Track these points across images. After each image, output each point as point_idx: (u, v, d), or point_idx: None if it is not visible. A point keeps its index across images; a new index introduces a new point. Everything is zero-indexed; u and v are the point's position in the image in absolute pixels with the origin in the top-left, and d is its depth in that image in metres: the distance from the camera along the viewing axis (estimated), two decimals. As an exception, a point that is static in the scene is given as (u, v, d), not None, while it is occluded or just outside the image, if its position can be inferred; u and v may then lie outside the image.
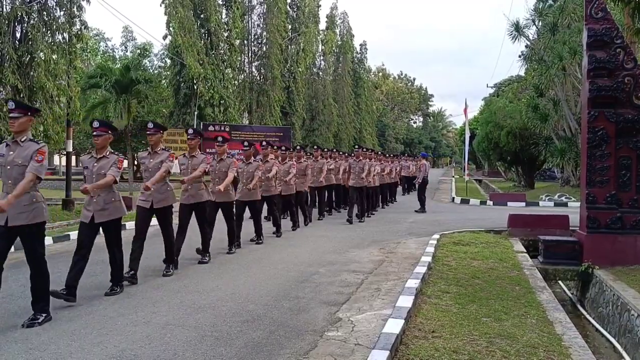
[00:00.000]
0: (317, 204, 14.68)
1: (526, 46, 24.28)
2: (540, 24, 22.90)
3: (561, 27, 20.74)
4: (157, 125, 7.26)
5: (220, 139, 9.11)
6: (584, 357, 4.54)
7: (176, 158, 8.05)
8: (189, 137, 8.14)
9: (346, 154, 18.17)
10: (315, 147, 17.10)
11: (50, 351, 4.31)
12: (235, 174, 9.11)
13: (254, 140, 11.41)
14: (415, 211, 16.85)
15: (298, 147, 15.61)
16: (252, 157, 10.05)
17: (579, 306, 9.02)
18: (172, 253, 7.36)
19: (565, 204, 19.22)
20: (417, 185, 18.20)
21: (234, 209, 9.28)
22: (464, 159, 29.77)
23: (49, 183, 28.45)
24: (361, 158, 13.86)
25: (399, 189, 25.06)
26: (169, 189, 7.16)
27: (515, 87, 39.52)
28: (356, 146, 14.83)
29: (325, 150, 17.03)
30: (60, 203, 15.67)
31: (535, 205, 19.41)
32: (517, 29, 22.63)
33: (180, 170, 8.26)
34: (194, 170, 7.84)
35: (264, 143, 10.93)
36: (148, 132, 7.09)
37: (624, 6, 10.57)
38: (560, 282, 10.34)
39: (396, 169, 21.13)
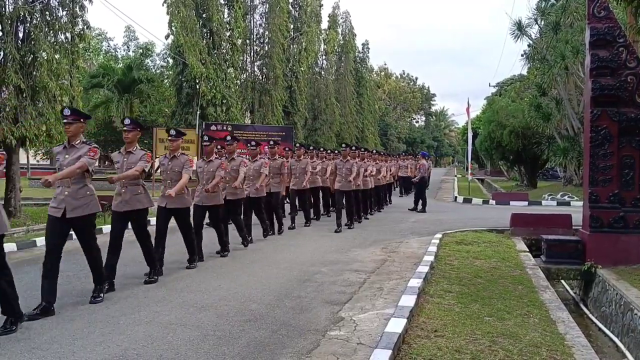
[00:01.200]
0: (302, 209, 13.15)
1: (529, 45, 24.29)
2: (542, 23, 22.89)
3: (564, 26, 20.73)
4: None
5: (228, 138, 9.65)
6: (587, 357, 4.54)
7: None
8: (170, 138, 7.65)
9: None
10: (298, 144, 14.79)
11: (53, 350, 4.32)
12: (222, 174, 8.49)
13: (256, 140, 11.34)
14: (411, 210, 16.72)
15: (297, 145, 14.39)
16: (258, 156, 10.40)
17: (581, 305, 9.00)
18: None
19: (567, 203, 19.19)
20: (414, 185, 17.81)
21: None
22: (467, 158, 29.74)
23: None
24: (349, 158, 12.08)
25: (398, 189, 24.75)
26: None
27: (518, 86, 39.47)
28: (343, 145, 12.83)
29: (326, 150, 16.16)
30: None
31: (537, 205, 19.39)
32: (520, 28, 22.63)
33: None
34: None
35: (228, 138, 9.89)
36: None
37: (627, 5, 10.57)
38: (563, 281, 10.33)
39: (391, 169, 19.66)
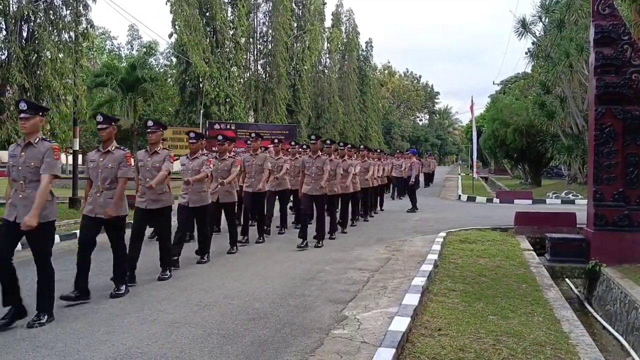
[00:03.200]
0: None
1: (533, 43, 24.17)
2: (546, 20, 22.78)
3: (568, 24, 20.63)
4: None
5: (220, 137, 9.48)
6: (591, 355, 4.53)
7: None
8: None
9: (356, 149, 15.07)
10: (276, 140, 12.06)
11: (58, 349, 4.33)
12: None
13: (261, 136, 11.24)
14: (407, 211, 16.16)
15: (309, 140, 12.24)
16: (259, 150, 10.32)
17: (586, 304, 8.98)
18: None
19: (572, 202, 19.14)
20: (409, 186, 17.27)
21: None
22: (470, 156, 29.68)
23: (56, 181, 28.53)
24: (320, 154, 9.80)
25: (397, 191, 21.64)
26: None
27: (522, 84, 39.36)
28: (312, 137, 10.15)
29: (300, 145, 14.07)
30: (67, 201, 15.73)
31: (542, 203, 19.34)
32: (524, 26, 22.53)
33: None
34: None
35: (219, 138, 9.57)
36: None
37: (632, 2, 10.52)
38: (567, 280, 10.32)
39: (384, 169, 16.88)
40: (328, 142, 10.86)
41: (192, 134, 8.05)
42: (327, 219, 10.22)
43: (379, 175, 15.35)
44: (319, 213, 9.77)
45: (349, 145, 12.49)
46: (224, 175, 8.83)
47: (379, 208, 16.18)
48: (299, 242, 9.24)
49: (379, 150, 17.82)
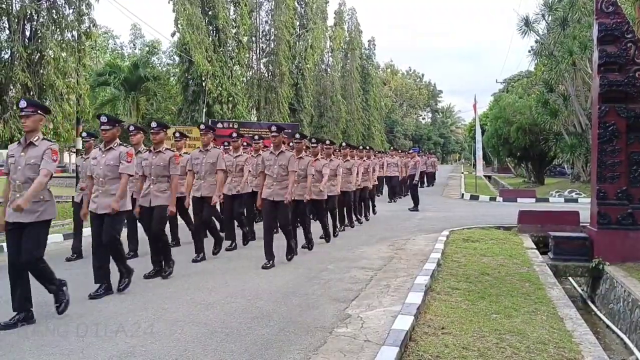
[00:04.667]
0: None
1: (536, 41, 24.18)
2: (550, 18, 22.77)
3: (571, 22, 20.61)
4: (160, 124, 7.26)
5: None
6: (595, 354, 4.52)
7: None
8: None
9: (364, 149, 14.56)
10: (256, 137, 10.47)
11: (62, 347, 4.34)
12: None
13: (262, 137, 11.23)
14: (410, 209, 16.05)
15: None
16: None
17: (589, 302, 8.97)
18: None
19: (575, 200, 19.12)
20: (411, 184, 16.94)
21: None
22: (473, 155, 29.63)
23: (59, 180, 28.65)
24: (284, 149, 7.95)
25: (396, 193, 20.10)
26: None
27: (525, 82, 39.36)
28: (273, 128, 7.93)
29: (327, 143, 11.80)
30: (71, 200, 15.79)
31: (545, 202, 19.32)
32: (527, 24, 22.53)
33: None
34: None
35: (234, 135, 9.96)
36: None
37: (635, 0, 10.49)
38: (570, 278, 10.30)
39: (375, 169, 14.72)
40: (313, 140, 10.04)
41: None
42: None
43: (367, 176, 13.32)
44: (282, 222, 7.98)
45: (327, 142, 10.88)
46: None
47: (370, 213, 14.08)
48: (264, 264, 7.53)
49: (367, 148, 15.26)
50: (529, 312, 5.58)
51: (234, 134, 9.91)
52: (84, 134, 8.37)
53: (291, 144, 9.58)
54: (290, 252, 8.15)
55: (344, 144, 12.82)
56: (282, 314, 5.27)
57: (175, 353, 4.23)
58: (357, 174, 11.96)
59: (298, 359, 4.14)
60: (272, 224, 8.02)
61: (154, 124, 7.12)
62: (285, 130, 8.87)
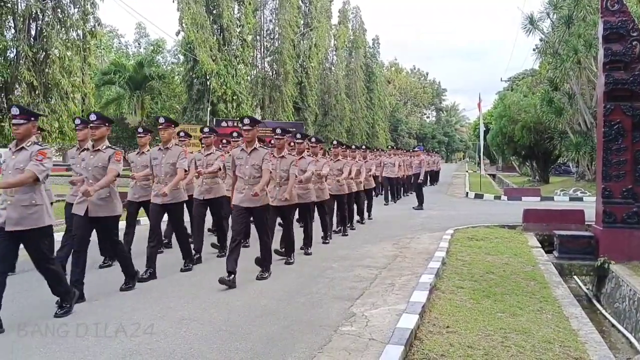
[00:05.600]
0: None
1: (541, 39, 24.07)
2: (554, 16, 22.69)
3: (576, 20, 20.53)
4: (168, 120, 7.26)
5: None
6: (600, 353, 4.51)
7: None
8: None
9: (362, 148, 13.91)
10: (235, 136, 9.36)
11: (67, 345, 4.35)
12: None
13: (266, 136, 11.18)
14: (414, 208, 15.92)
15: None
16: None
17: (594, 301, 8.95)
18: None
19: (580, 199, 19.06)
20: (416, 182, 16.61)
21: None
22: (478, 153, 29.57)
23: (65, 179, 28.67)
24: (257, 147, 6.71)
25: (394, 195, 18.42)
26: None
27: (530, 81, 39.21)
28: (245, 120, 6.76)
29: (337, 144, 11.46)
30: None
31: (550, 200, 19.26)
32: (532, 22, 22.45)
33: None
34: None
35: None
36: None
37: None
38: (575, 277, 10.28)
39: (371, 169, 13.54)
40: (298, 136, 8.63)
41: (161, 119, 7.41)
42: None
43: (371, 173, 12.94)
44: (259, 232, 6.90)
45: (313, 139, 9.71)
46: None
47: (366, 216, 12.90)
48: (226, 276, 6.29)
49: (363, 147, 14.26)
50: (534, 311, 5.57)
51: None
52: (140, 130, 8.11)
53: (291, 143, 8.99)
54: (266, 269, 6.87)
55: (335, 141, 11.31)
56: (287, 312, 5.28)
57: (180, 351, 4.24)
58: (350, 174, 10.72)
59: (303, 357, 4.14)
60: (247, 231, 7.58)
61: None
62: (289, 129, 8.70)
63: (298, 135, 8.53)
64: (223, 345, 4.37)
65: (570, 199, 19.55)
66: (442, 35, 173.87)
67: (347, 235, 10.60)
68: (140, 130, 8.02)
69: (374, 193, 16.19)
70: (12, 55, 13.42)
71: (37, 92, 13.21)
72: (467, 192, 23.20)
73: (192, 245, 7.65)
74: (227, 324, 4.89)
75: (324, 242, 9.55)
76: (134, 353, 4.19)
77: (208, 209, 8.41)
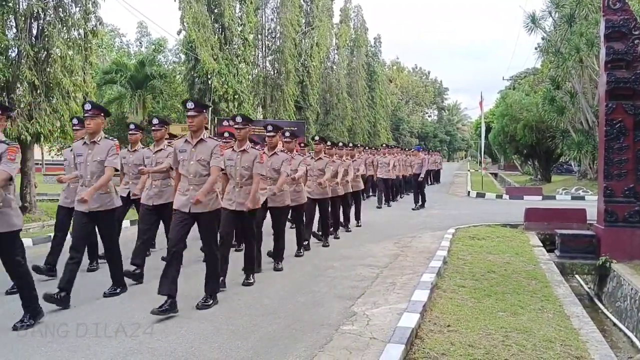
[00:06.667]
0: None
1: (542, 38, 24.03)
2: (556, 15, 22.66)
3: (578, 19, 20.49)
4: (162, 121, 7.33)
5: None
6: (602, 352, 4.51)
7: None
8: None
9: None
10: (227, 136, 8.33)
11: (69, 344, 4.36)
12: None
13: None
14: (413, 209, 15.55)
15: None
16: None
17: (596, 300, 8.94)
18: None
19: (582, 198, 19.03)
20: (417, 181, 16.08)
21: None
22: (480, 152, 29.54)
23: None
24: (204, 138, 5.57)
25: (389, 198, 16.97)
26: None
27: (532, 79, 39.17)
28: (189, 103, 5.53)
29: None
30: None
31: (552, 199, 19.23)
32: (533, 21, 22.42)
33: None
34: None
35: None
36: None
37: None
38: (577, 276, 10.27)
39: (359, 169, 12.40)
40: (189, 105, 6.39)
41: (155, 120, 7.28)
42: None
43: (359, 174, 11.87)
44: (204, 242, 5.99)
45: (287, 133, 8.39)
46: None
47: (353, 223, 11.77)
48: (202, 300, 5.52)
49: (350, 145, 12.92)
50: (535, 310, 5.56)
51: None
52: (132, 126, 7.88)
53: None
54: (211, 298, 5.63)
55: (316, 137, 9.66)
56: (288, 311, 5.28)
57: (181, 350, 4.24)
58: (335, 176, 9.59)
59: (304, 356, 4.15)
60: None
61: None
62: (291, 128, 8.46)
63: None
64: (224, 344, 4.38)
65: (572, 197, 19.51)
66: (444, 34, 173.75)
67: (327, 245, 9.21)
68: (132, 126, 7.86)
69: (364, 195, 16.08)
70: (13, 54, 13.41)
71: (38, 92, 13.18)
72: (469, 191, 23.17)
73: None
74: (228, 323, 4.90)
75: (296, 255, 8.25)
76: (135, 352, 4.20)
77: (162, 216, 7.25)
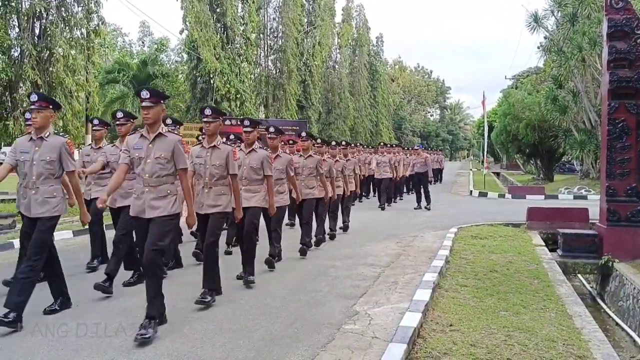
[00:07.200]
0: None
1: (545, 37, 24.03)
2: (559, 14, 22.65)
3: (581, 18, 20.48)
4: (127, 114, 6.62)
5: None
6: (604, 351, 4.50)
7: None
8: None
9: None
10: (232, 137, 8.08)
11: (70, 343, 4.37)
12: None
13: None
14: (415, 208, 15.40)
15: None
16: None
17: (598, 300, 8.93)
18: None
19: (584, 197, 19.00)
20: (418, 181, 15.93)
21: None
22: (482, 152, 29.50)
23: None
24: (161, 130, 4.80)
25: (389, 198, 16.57)
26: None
27: (534, 78, 39.11)
28: (144, 93, 4.79)
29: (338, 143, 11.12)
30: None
31: (554, 199, 19.20)
32: (536, 20, 22.42)
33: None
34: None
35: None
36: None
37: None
38: (579, 275, 10.26)
39: (346, 169, 10.56)
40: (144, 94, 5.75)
41: (119, 113, 6.62)
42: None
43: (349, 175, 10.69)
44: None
45: (271, 128, 7.66)
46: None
47: (340, 225, 10.68)
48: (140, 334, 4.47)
49: (343, 144, 12.09)
50: (537, 309, 5.56)
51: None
52: (95, 121, 7.35)
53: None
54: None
55: (303, 133, 8.86)
56: (290, 311, 5.28)
57: (183, 349, 4.25)
58: (326, 176, 8.89)
59: (306, 355, 4.15)
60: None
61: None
62: (293, 128, 8.35)
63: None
64: (226, 343, 4.38)
65: (575, 197, 19.49)
66: (446, 33, 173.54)
67: (303, 257, 8.21)
68: (95, 121, 7.28)
69: (360, 197, 15.84)
70: (16, 54, 13.46)
71: (41, 91, 13.24)
72: (471, 191, 23.15)
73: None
74: (230, 322, 4.90)
75: (269, 268, 7.24)
76: (137, 351, 4.20)
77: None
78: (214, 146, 5.65)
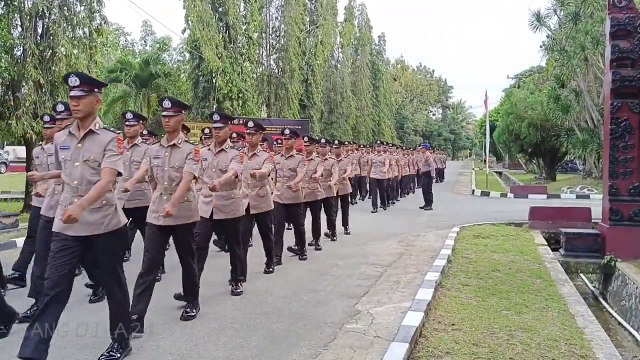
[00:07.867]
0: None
1: (547, 36, 23.96)
2: (561, 13, 22.58)
3: (583, 17, 20.41)
4: (136, 115, 6.68)
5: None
6: (606, 351, 4.50)
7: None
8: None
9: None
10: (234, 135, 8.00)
11: (71, 342, 4.37)
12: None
13: (272, 134, 10.78)
14: (422, 208, 15.29)
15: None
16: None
17: (601, 299, 8.92)
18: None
19: (587, 197, 18.97)
20: (425, 181, 15.82)
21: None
22: (484, 151, 29.47)
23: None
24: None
25: (386, 200, 15.25)
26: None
27: (536, 78, 39.02)
28: (250, 123, 6.66)
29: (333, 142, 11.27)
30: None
31: (556, 198, 19.19)
32: (538, 19, 22.34)
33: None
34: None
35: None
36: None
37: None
38: (582, 275, 10.24)
39: (340, 170, 10.09)
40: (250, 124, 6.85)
41: (129, 114, 6.60)
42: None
43: (335, 178, 9.48)
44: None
45: (250, 123, 6.92)
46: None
47: (341, 230, 10.32)
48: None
49: (335, 143, 11.69)
50: (539, 309, 5.56)
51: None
52: (129, 115, 6.84)
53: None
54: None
55: (286, 130, 7.98)
56: (292, 310, 5.29)
57: (185, 348, 4.25)
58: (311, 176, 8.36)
59: (308, 354, 4.15)
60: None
61: (129, 115, 6.45)
62: (295, 127, 8.42)
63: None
64: (228, 342, 4.39)
65: (577, 196, 19.46)
66: (449, 32, 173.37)
67: (305, 258, 8.03)
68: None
69: (354, 198, 15.21)
70: (18, 53, 13.46)
71: (43, 90, 13.23)
72: (474, 190, 23.13)
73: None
74: (232, 322, 4.91)
75: (265, 272, 7.00)
76: (140, 350, 4.21)
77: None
78: (174, 145, 4.92)
